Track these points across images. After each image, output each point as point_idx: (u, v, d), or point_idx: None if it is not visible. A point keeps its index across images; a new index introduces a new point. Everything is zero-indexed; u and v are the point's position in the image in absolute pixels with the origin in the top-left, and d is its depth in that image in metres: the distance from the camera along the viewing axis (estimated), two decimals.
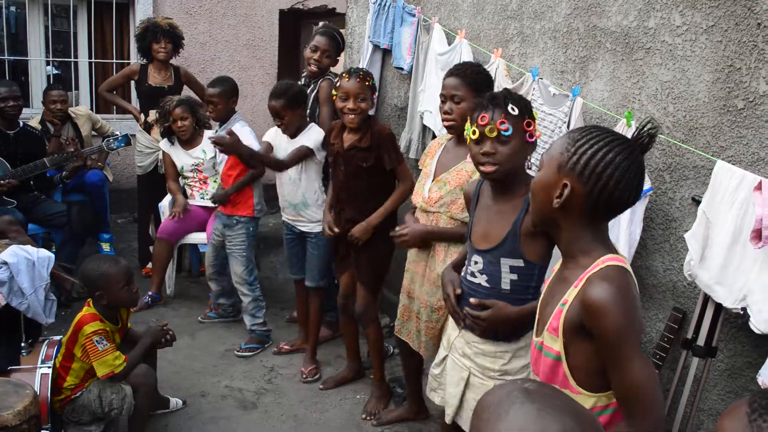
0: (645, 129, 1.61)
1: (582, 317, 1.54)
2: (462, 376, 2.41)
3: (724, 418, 1.09)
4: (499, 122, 2.20)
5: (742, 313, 2.29)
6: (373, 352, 3.75)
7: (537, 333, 1.74)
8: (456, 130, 2.90)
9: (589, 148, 1.57)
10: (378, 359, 3.73)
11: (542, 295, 1.78)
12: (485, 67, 3.61)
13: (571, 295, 1.59)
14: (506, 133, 2.21)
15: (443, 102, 2.88)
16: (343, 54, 5.05)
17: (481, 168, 2.27)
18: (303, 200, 3.93)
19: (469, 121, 2.32)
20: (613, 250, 1.64)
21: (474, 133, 2.26)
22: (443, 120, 2.91)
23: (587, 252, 1.62)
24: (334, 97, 3.47)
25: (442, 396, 2.61)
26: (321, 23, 4.63)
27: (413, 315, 3.12)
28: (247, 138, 4.09)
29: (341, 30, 4.93)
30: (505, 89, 2.36)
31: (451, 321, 2.55)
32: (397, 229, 3.04)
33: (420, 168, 3.11)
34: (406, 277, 3.16)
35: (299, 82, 4.58)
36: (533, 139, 2.28)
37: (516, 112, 2.22)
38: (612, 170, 1.54)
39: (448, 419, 2.52)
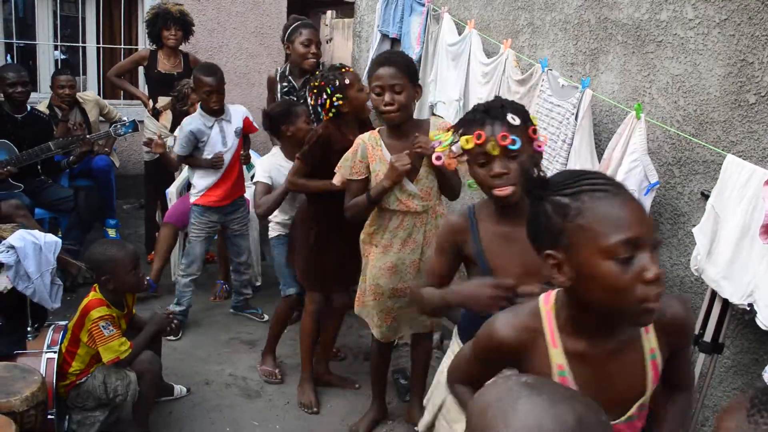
0: None
1: (672, 343, 1.50)
2: None
3: (724, 413, 1.09)
4: (500, 136, 1.86)
5: (749, 309, 2.28)
6: (330, 343, 3.83)
7: (617, 415, 1.47)
8: (398, 120, 2.83)
9: None
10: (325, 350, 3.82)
11: (582, 389, 1.43)
12: (495, 57, 3.60)
13: (651, 341, 1.46)
14: (513, 147, 1.87)
15: (379, 94, 2.79)
16: (351, 43, 5.02)
17: (496, 192, 1.89)
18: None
19: (452, 136, 2.05)
20: None
21: (473, 153, 1.93)
22: (384, 113, 2.80)
23: None
24: (343, 99, 3.18)
25: None
26: (292, 17, 4.51)
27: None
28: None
29: (349, 19, 4.91)
30: (497, 97, 2.15)
31: (438, 386, 2.24)
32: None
33: (356, 175, 2.91)
34: (378, 285, 3.05)
35: (286, 84, 4.48)
36: (541, 149, 1.99)
37: (517, 121, 1.90)
38: None
39: None
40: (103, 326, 2.92)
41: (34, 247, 3.02)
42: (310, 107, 3.40)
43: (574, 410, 0.96)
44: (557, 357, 1.43)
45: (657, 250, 1.30)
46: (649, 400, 1.52)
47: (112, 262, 2.98)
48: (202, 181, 4.25)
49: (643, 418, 1.54)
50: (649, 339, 1.47)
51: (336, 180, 3.07)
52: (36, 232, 3.18)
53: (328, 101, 3.17)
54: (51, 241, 3.12)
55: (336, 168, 2.99)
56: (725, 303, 2.43)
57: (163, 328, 3.24)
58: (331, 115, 3.20)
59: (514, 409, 0.97)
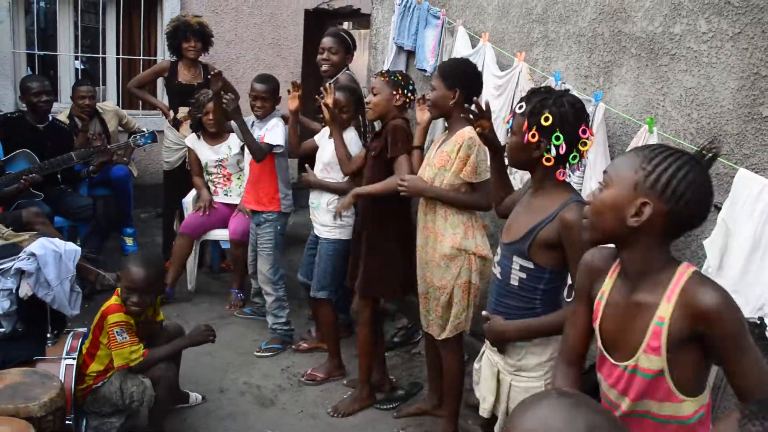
0: (709, 148, 1.62)
1: (695, 327, 1.55)
2: (493, 372, 2.43)
3: (719, 421, 1.18)
4: (509, 116, 2.32)
5: (759, 322, 2.28)
6: (360, 354, 3.69)
7: (622, 358, 1.67)
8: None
9: (668, 166, 1.56)
10: (364, 361, 3.67)
11: (605, 321, 1.72)
12: (509, 70, 3.62)
13: (666, 311, 1.58)
14: (508, 126, 2.30)
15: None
16: (368, 55, 5.05)
17: None
18: (319, 201, 3.93)
19: None
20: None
21: None
22: None
23: (664, 268, 1.62)
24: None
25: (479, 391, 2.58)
26: (345, 23, 4.59)
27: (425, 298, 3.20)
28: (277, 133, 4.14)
29: (365, 30, 4.94)
30: (544, 88, 2.36)
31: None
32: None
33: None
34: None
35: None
36: (526, 142, 2.20)
37: (521, 110, 2.22)
38: (693, 189, 1.54)
39: (484, 413, 2.49)
40: (117, 332, 2.97)
41: (54, 254, 3.07)
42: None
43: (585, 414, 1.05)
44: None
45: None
46: (644, 367, 1.61)
47: (123, 272, 3.05)
48: None
49: (656, 392, 1.62)
50: (665, 309, 1.58)
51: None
52: (56, 240, 3.24)
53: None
54: (71, 249, 3.18)
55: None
56: None
57: (196, 344, 3.30)
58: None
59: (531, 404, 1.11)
